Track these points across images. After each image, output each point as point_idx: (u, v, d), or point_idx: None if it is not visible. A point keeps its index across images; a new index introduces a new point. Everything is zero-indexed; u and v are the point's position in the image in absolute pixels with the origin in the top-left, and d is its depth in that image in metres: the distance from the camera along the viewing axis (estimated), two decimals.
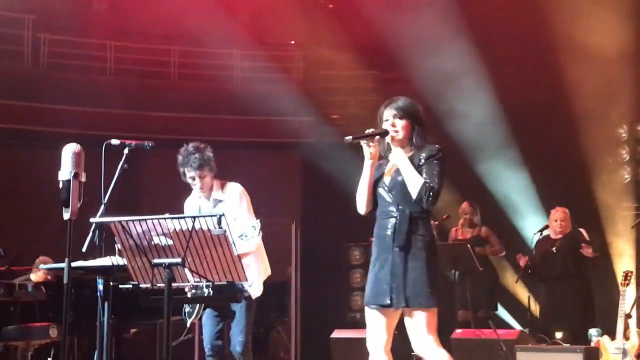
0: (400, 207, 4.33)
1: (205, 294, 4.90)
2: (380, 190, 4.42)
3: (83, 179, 4.01)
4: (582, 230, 8.75)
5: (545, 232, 8.77)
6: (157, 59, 14.08)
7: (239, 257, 4.87)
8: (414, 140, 4.41)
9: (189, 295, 4.97)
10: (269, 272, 5.62)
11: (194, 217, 3.78)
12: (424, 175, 4.29)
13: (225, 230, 3.73)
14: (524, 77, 11.56)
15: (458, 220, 9.64)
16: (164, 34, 14.16)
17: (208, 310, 5.36)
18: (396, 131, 4.41)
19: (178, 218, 3.79)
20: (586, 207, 10.46)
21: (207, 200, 5.56)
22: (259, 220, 5.03)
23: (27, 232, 11.93)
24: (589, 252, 8.44)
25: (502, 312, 10.99)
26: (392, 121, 4.43)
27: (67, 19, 13.53)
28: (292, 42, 15.32)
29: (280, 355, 10.40)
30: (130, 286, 4.00)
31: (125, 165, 4.84)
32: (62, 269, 4.05)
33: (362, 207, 4.48)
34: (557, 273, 8.58)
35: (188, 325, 5.37)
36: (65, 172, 3.98)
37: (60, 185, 3.98)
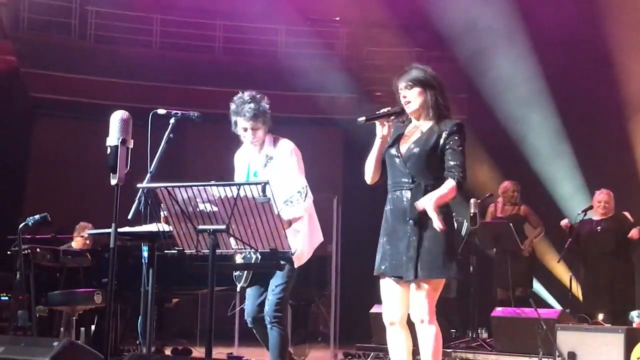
0: (415, 179, 4.29)
1: (252, 260, 4.79)
2: (396, 160, 4.35)
3: (130, 145, 4.04)
4: (626, 213, 8.66)
5: (589, 213, 8.67)
6: (203, 33, 14.15)
7: (290, 222, 4.84)
8: (431, 109, 4.34)
9: (238, 259, 4.83)
10: (320, 238, 5.35)
11: (239, 185, 3.80)
12: (449, 158, 4.25)
13: (269, 199, 3.74)
14: (571, 53, 11.38)
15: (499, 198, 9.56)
16: (209, 9, 14.21)
17: (252, 281, 5.12)
18: (408, 102, 4.36)
19: (223, 185, 3.81)
20: (631, 188, 10.33)
21: (257, 154, 5.25)
22: (306, 185, 4.81)
23: (75, 201, 12.14)
24: (636, 234, 8.36)
25: (542, 292, 10.94)
26: (403, 93, 4.38)
27: None
28: (337, 18, 15.28)
29: (319, 329, 10.45)
30: (176, 251, 4.03)
31: (171, 135, 4.83)
32: (108, 234, 4.09)
33: (369, 178, 4.47)
34: (599, 253, 8.53)
35: (238, 289, 5.24)
36: (113, 138, 4.01)
37: (108, 151, 4.01)
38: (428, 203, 4.14)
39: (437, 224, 4.12)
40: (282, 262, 4.47)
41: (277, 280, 5.07)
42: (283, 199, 4.65)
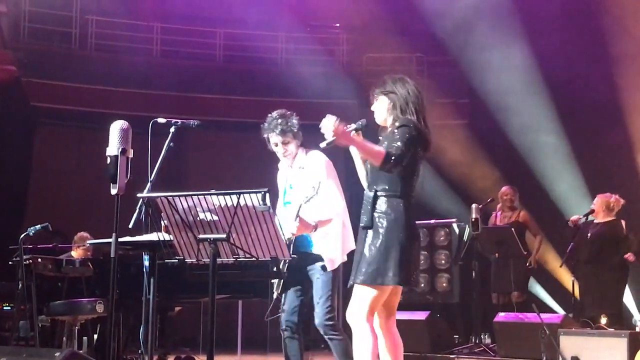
0: (370, 187, 4.39)
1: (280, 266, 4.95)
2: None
3: (130, 155, 4.05)
4: (622, 222, 8.63)
5: (590, 217, 8.67)
6: (203, 40, 14.17)
7: (316, 226, 5.03)
8: (391, 116, 4.45)
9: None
10: (353, 245, 5.35)
11: (239, 193, 3.81)
12: (385, 143, 4.31)
13: (269, 207, 3.76)
14: (572, 57, 11.39)
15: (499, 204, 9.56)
16: (209, 16, 14.24)
17: (288, 285, 5.30)
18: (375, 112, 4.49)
19: (223, 194, 3.83)
20: (633, 191, 10.31)
21: (291, 169, 5.47)
22: (319, 181, 5.02)
23: (75, 210, 12.14)
24: (632, 259, 8.39)
25: (545, 296, 10.93)
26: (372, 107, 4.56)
27: (114, 1, 13.66)
28: (337, 24, 15.30)
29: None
30: (176, 260, 4.04)
31: (171, 144, 4.88)
32: (109, 244, 4.09)
33: (364, 183, 4.56)
34: (587, 258, 8.54)
35: (275, 297, 5.33)
36: (113, 147, 4.03)
37: (108, 161, 4.03)
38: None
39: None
40: (283, 271, 4.50)
41: (319, 291, 5.24)
42: (302, 200, 4.93)
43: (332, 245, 5.19)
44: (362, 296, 4.30)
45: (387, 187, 4.32)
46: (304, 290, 5.36)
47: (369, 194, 4.36)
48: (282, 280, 5.22)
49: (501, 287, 8.99)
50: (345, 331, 5.14)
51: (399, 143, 4.24)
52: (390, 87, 4.46)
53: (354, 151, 4.50)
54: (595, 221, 8.62)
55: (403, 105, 4.41)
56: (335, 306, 5.29)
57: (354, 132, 4.38)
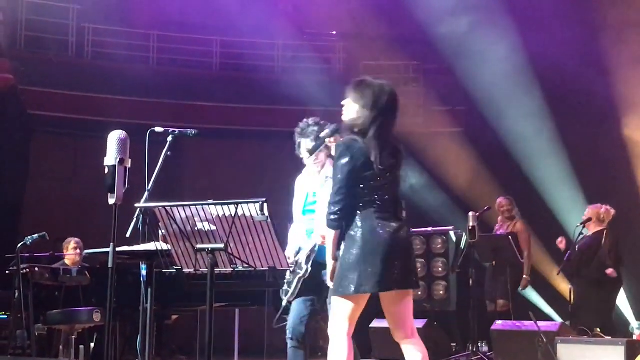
0: None
1: (302, 272, 4.96)
2: None
3: (128, 165, 4.06)
4: (605, 232, 8.65)
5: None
6: (200, 48, 14.18)
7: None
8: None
9: (287, 275, 4.98)
10: None
11: (237, 203, 3.81)
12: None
13: (267, 217, 3.76)
14: (568, 64, 11.42)
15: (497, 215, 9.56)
16: (206, 24, 14.25)
17: (301, 293, 5.24)
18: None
19: (222, 204, 3.83)
20: (627, 200, 10.35)
21: (317, 176, 5.41)
22: None
23: (71, 218, 12.13)
24: (612, 273, 8.42)
25: (542, 304, 10.93)
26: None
27: (111, 9, 13.66)
28: (334, 32, 15.32)
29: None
30: (174, 270, 4.04)
31: (169, 153, 4.87)
32: (107, 253, 4.09)
33: None
34: (578, 271, 8.64)
35: (283, 304, 5.29)
36: (110, 157, 4.03)
37: (106, 171, 4.03)
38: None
39: None
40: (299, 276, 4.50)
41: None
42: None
43: None
44: (334, 308, 4.32)
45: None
46: (315, 301, 5.30)
47: None
48: (296, 289, 5.19)
49: (491, 295, 9.02)
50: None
51: (331, 200, 4.27)
52: (355, 90, 4.43)
53: None
54: (586, 233, 8.66)
55: (363, 113, 4.34)
56: None
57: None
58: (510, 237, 8.80)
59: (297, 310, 5.30)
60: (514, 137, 11.69)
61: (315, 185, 5.41)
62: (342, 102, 4.43)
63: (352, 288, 4.15)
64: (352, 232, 4.22)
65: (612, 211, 8.67)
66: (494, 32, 11.74)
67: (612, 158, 11.05)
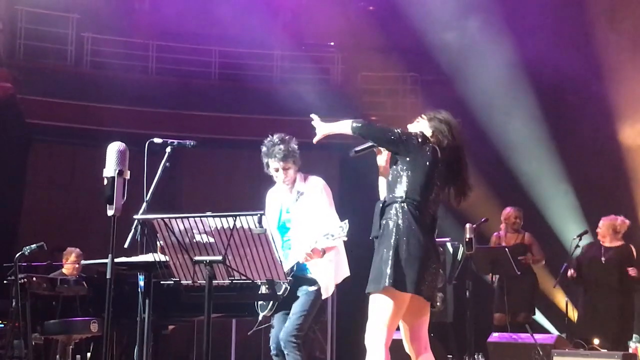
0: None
1: (282, 290, 4.94)
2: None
3: (127, 177, 4.07)
4: (632, 247, 8.64)
5: (585, 238, 8.69)
6: (198, 58, 14.20)
7: (324, 251, 5.03)
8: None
9: (263, 289, 4.94)
10: (346, 271, 5.48)
11: (235, 216, 3.82)
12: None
13: (265, 230, 3.77)
14: (564, 77, 11.45)
15: (498, 223, 9.55)
16: (204, 34, 14.28)
17: (280, 308, 5.21)
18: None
19: (220, 216, 3.85)
20: (627, 214, 10.36)
21: (289, 193, 5.40)
22: (346, 220, 5.01)
23: (70, 228, 12.13)
24: (634, 273, 8.38)
25: (539, 317, 10.92)
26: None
27: (110, 18, 13.70)
28: (332, 43, 15.37)
29: (315, 354, 10.44)
30: (172, 282, 4.05)
31: (167, 164, 4.88)
32: (105, 264, 4.10)
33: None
34: (601, 282, 8.52)
35: (260, 318, 5.28)
36: (110, 169, 4.04)
37: (105, 182, 4.04)
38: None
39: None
40: (278, 294, 4.50)
41: (298, 307, 5.17)
42: (323, 233, 4.93)
43: (327, 272, 5.18)
44: (374, 305, 4.15)
45: (394, 195, 4.28)
46: None
47: (378, 204, 4.34)
48: (274, 304, 5.18)
49: (503, 308, 8.99)
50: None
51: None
52: (438, 117, 4.57)
53: (380, 170, 4.50)
54: (606, 245, 8.60)
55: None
56: (305, 328, 5.20)
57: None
58: (507, 249, 8.80)
59: (278, 324, 5.29)
60: (512, 149, 11.71)
61: (288, 200, 5.40)
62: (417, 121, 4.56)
63: (391, 283, 4.08)
64: (397, 219, 4.22)
65: (627, 222, 8.65)
66: (491, 43, 11.78)
67: (609, 169, 11.06)
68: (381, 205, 4.30)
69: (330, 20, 14.00)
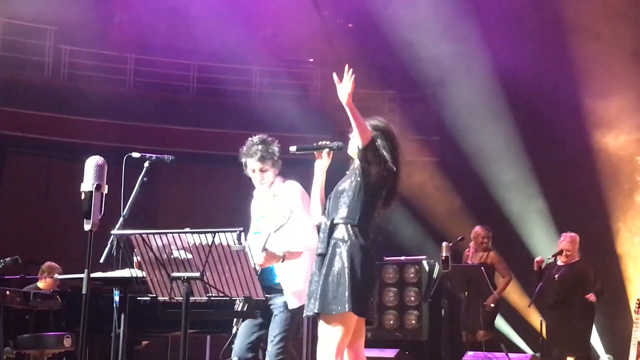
0: (329, 217, 4.34)
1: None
2: None
3: (105, 191, 4.03)
4: (589, 267, 8.71)
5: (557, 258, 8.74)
6: (177, 72, 14.18)
7: (284, 257, 4.83)
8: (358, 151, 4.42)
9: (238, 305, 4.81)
10: None
11: (214, 232, 3.79)
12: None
13: (244, 247, 3.75)
14: (540, 95, 11.53)
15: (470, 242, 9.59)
16: (183, 48, 14.27)
17: (247, 319, 5.05)
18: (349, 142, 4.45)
19: (198, 232, 3.82)
20: (599, 231, 10.45)
21: (265, 196, 5.26)
22: (291, 210, 4.87)
23: (44, 241, 12.02)
24: (593, 299, 8.45)
25: (513, 336, 10.96)
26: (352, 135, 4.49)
27: (88, 31, 13.64)
28: (311, 59, 15.40)
29: None
30: (149, 299, 4.01)
31: (145, 178, 4.84)
32: (80, 279, 4.06)
33: (315, 219, 4.53)
34: (554, 301, 8.60)
35: (234, 331, 5.16)
36: (87, 183, 4.00)
37: (82, 197, 4.00)
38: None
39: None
40: (257, 311, 4.44)
41: (275, 329, 5.00)
42: (273, 229, 4.76)
43: (300, 279, 4.94)
44: (326, 330, 4.19)
45: (345, 215, 4.28)
46: (262, 325, 5.09)
47: (326, 222, 4.32)
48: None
49: (468, 325, 9.02)
50: None
51: (382, 151, 4.32)
52: (370, 124, 4.43)
53: (317, 177, 4.48)
54: (558, 263, 8.68)
55: (381, 145, 4.40)
56: (289, 348, 5.07)
57: (326, 150, 4.43)
58: (482, 268, 8.83)
59: (243, 334, 5.10)
60: (488, 167, 11.77)
61: (264, 205, 5.26)
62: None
63: (348, 306, 4.11)
64: (350, 242, 4.22)
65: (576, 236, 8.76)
66: (468, 60, 11.85)
67: (585, 187, 11.14)
68: (329, 223, 4.29)
69: (309, 37, 14.04)
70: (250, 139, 5.31)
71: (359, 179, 4.33)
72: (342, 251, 4.20)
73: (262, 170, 5.20)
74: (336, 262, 4.19)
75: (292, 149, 4.44)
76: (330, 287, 4.16)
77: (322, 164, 4.47)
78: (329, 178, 4.55)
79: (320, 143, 4.47)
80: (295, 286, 4.95)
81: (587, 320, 8.59)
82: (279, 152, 5.25)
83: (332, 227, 4.27)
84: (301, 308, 4.91)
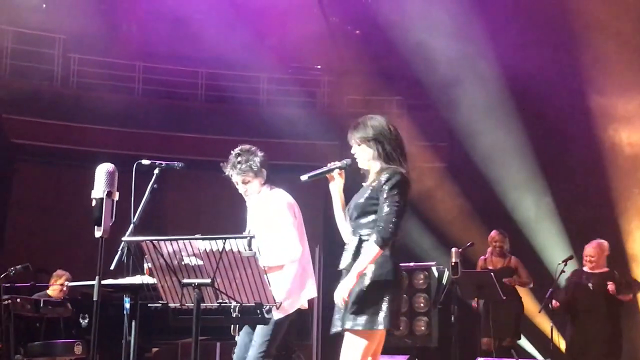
0: (355, 233, 4.29)
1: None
2: (347, 215, 4.40)
3: (116, 198, 4.04)
4: (616, 273, 8.67)
5: (570, 263, 8.71)
6: (185, 80, 14.21)
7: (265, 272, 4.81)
8: (377, 161, 4.35)
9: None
10: (312, 293, 5.28)
11: (225, 239, 3.79)
12: (378, 212, 4.21)
13: (255, 253, 3.75)
14: (549, 99, 11.51)
15: (484, 248, 9.56)
16: (191, 56, 14.30)
17: (240, 327, 5.08)
18: (356, 158, 4.41)
19: (209, 239, 3.82)
20: (611, 231, 10.41)
21: (253, 206, 5.29)
22: (295, 240, 4.89)
23: (54, 249, 12.04)
24: (613, 288, 8.40)
25: (524, 342, 10.92)
26: (352, 150, 4.43)
27: (96, 39, 13.70)
28: (318, 66, 15.42)
29: None
30: (160, 305, 4.01)
31: (155, 185, 4.85)
32: (91, 286, 4.07)
33: (345, 239, 4.45)
34: (588, 308, 8.55)
35: (236, 339, 5.16)
36: (98, 190, 4.01)
37: (93, 204, 4.00)
38: (342, 292, 4.13)
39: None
40: (266, 317, 4.41)
41: (258, 335, 5.01)
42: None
43: (282, 290, 4.95)
44: (353, 344, 4.16)
45: (369, 232, 4.23)
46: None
47: (353, 238, 4.28)
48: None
49: (489, 332, 8.98)
50: None
51: (392, 219, 4.16)
52: (370, 133, 4.36)
53: (335, 199, 4.44)
54: (590, 271, 8.63)
55: (389, 152, 4.33)
56: (271, 354, 5.06)
57: (337, 170, 4.38)
58: (492, 274, 8.80)
59: (240, 346, 5.14)
60: (497, 173, 11.75)
61: (251, 215, 5.26)
62: (354, 148, 4.40)
63: (384, 322, 4.11)
64: (381, 260, 4.16)
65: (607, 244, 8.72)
66: (476, 66, 11.84)
67: (596, 188, 11.10)
68: (357, 239, 4.24)
69: (316, 44, 14.06)
70: (232, 151, 5.34)
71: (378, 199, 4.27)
72: (373, 268, 4.17)
73: (244, 183, 5.24)
74: (368, 277, 4.16)
75: (303, 178, 4.40)
76: (364, 303, 4.14)
77: (336, 185, 4.43)
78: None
79: (329, 165, 4.42)
80: (278, 297, 4.79)
81: (618, 325, 8.56)
82: (261, 161, 5.25)
83: (360, 243, 4.24)
84: (287, 317, 5.01)
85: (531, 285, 9.45)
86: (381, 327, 4.12)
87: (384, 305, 4.12)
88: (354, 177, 4.55)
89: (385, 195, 4.20)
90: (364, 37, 14.80)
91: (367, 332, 4.15)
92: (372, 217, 4.24)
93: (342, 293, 4.11)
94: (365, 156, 4.39)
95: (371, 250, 4.13)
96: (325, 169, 4.42)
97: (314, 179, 4.42)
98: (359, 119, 4.49)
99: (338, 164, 4.42)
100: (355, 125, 4.43)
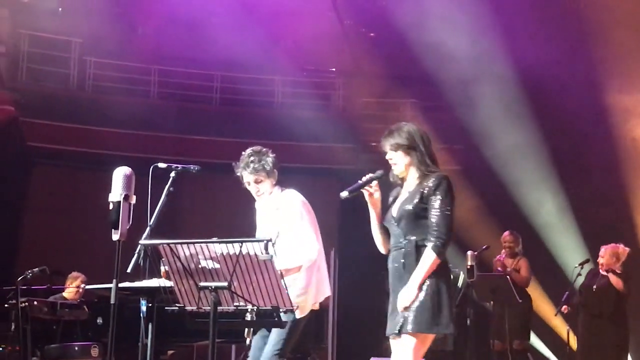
0: (407, 236, 4.31)
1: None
2: (391, 222, 4.38)
3: (133, 201, 4.05)
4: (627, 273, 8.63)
5: (587, 266, 8.67)
6: (200, 83, 14.25)
7: (282, 273, 4.86)
8: (416, 167, 4.39)
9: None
10: (327, 291, 5.30)
11: (242, 242, 3.80)
12: (430, 219, 4.26)
13: (272, 256, 3.75)
14: (565, 100, 11.45)
15: (500, 250, 9.52)
16: (206, 59, 14.34)
17: (255, 329, 5.04)
18: (394, 164, 4.43)
19: (226, 242, 3.82)
20: (627, 240, 10.34)
21: (266, 207, 5.28)
22: (313, 239, 4.91)
23: (70, 251, 12.09)
24: (615, 281, 8.36)
25: (540, 345, 10.88)
26: (388, 156, 4.46)
27: (112, 43, 13.76)
28: (333, 69, 15.43)
29: None
30: (177, 308, 4.02)
31: (171, 188, 4.86)
32: (108, 289, 4.08)
33: (380, 248, 4.50)
34: (593, 311, 8.51)
35: (248, 342, 5.18)
36: (115, 193, 4.02)
37: (110, 207, 4.02)
38: (407, 298, 4.18)
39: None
40: (283, 320, 4.41)
41: (274, 333, 5.03)
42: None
43: (299, 291, 4.99)
44: (411, 346, 4.20)
45: (426, 237, 4.28)
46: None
47: (407, 242, 4.30)
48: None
49: (500, 335, 8.94)
50: None
51: (447, 227, 4.25)
52: (406, 139, 4.42)
53: (376, 210, 4.45)
54: (603, 272, 8.60)
55: (426, 157, 4.39)
56: (286, 353, 5.08)
57: (375, 181, 4.39)
58: (508, 277, 8.77)
59: (254, 349, 5.14)
60: (513, 175, 11.71)
61: (265, 216, 5.26)
62: (390, 154, 4.44)
63: (446, 327, 4.19)
64: (439, 265, 4.24)
65: (627, 249, 8.65)
66: (491, 69, 11.81)
67: (615, 193, 11.04)
68: (414, 244, 4.28)
69: (331, 46, 14.08)
70: (243, 152, 5.35)
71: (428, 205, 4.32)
72: (434, 273, 4.23)
73: (256, 182, 5.24)
74: (429, 283, 4.21)
75: (344, 194, 4.35)
76: (428, 308, 4.19)
77: (374, 198, 4.43)
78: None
79: (365, 178, 4.40)
80: (296, 298, 4.90)
81: (625, 327, 8.53)
82: (273, 162, 5.27)
83: (418, 249, 4.27)
84: (303, 318, 5.03)
85: (529, 281, 9.36)
86: (446, 330, 4.21)
87: (445, 310, 4.20)
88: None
89: (437, 202, 4.28)
90: (378, 39, 14.80)
91: (428, 336, 4.22)
92: (423, 222, 4.29)
93: (405, 303, 4.20)
94: (403, 162, 4.42)
95: (430, 259, 4.21)
96: (362, 182, 4.40)
97: (354, 195, 4.39)
98: (392, 126, 4.53)
99: (374, 175, 4.42)
100: (390, 132, 4.48)
